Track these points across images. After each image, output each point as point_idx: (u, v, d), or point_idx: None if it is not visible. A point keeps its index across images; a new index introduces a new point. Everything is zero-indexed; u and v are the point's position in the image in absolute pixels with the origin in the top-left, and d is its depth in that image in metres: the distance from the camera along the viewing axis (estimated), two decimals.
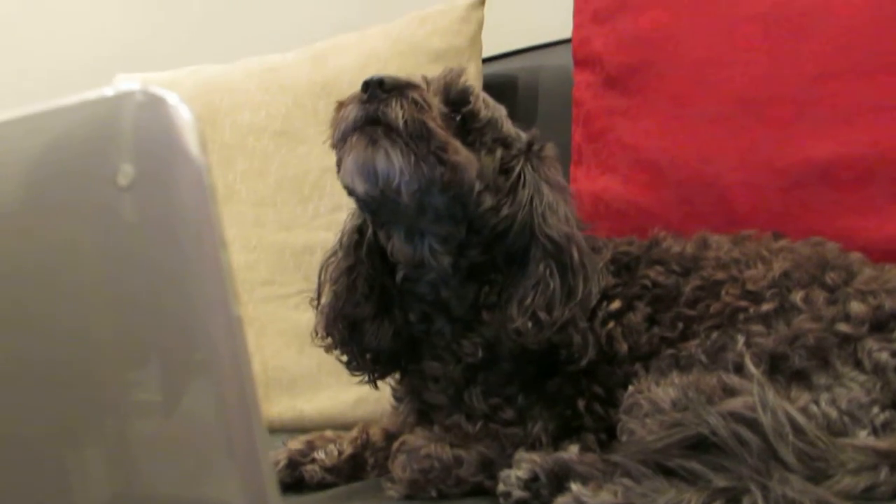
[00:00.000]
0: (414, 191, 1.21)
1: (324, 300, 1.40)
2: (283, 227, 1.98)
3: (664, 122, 1.66)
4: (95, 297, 0.49)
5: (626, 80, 1.72)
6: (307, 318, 1.81)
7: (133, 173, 0.45)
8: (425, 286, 1.33)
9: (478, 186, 1.27)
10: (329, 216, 1.91)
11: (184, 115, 0.45)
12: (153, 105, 0.45)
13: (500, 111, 1.35)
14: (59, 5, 2.91)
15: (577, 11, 1.84)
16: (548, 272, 1.27)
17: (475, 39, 1.96)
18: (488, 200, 1.29)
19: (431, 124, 1.20)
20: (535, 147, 1.36)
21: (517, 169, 1.31)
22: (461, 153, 1.24)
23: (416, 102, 1.19)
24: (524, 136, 1.36)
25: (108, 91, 0.46)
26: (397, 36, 1.99)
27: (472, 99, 1.30)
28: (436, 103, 1.24)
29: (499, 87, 2.02)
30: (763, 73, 1.59)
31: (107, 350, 0.51)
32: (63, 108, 0.47)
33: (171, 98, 0.45)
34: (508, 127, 1.34)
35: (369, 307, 1.36)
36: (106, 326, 0.51)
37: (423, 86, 1.26)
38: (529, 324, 1.25)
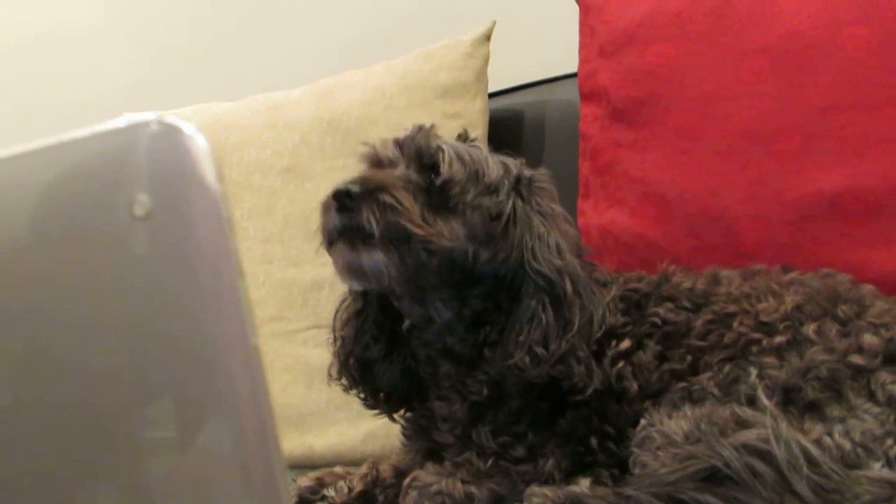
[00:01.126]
0: (405, 281, 1.25)
1: (337, 344, 1.42)
2: (291, 264, 1.98)
3: (671, 156, 1.66)
4: (110, 330, 0.48)
5: (632, 114, 1.72)
6: (316, 353, 1.82)
7: (149, 203, 0.45)
8: (432, 335, 1.35)
9: (470, 250, 1.27)
10: None
11: (200, 144, 0.45)
12: (168, 134, 0.45)
13: (479, 156, 1.32)
14: (66, 45, 2.92)
15: (583, 46, 1.84)
16: (540, 307, 1.27)
17: (481, 74, 1.96)
18: (484, 254, 1.29)
19: (408, 225, 1.21)
20: (524, 178, 1.35)
21: (507, 210, 1.30)
22: (445, 234, 1.25)
23: (388, 207, 1.20)
24: (512, 166, 1.34)
25: (123, 121, 0.46)
26: (403, 72, 1.99)
27: (443, 166, 1.28)
28: (408, 196, 1.23)
29: (505, 122, 2.02)
30: (770, 106, 1.58)
31: (121, 383, 0.51)
32: (77, 139, 0.46)
33: (187, 127, 0.45)
34: (492, 171, 1.31)
35: (378, 349, 1.39)
36: (121, 360, 0.50)
37: (398, 169, 1.27)
38: (527, 358, 1.25)
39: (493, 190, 1.30)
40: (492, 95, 2.02)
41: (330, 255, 1.26)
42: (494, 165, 1.32)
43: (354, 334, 1.39)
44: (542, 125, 2.03)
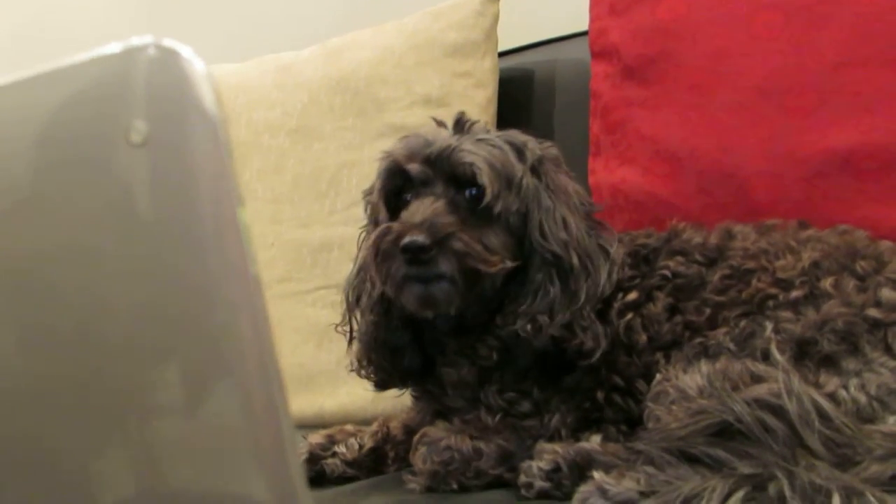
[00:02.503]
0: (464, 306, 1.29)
1: (361, 328, 1.41)
2: (300, 224, 1.97)
3: (683, 113, 1.65)
4: (109, 269, 0.47)
5: (644, 71, 1.70)
6: (325, 314, 1.82)
7: (146, 130, 0.43)
8: (445, 316, 1.34)
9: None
10: (346, 212, 1.91)
11: (198, 68, 0.44)
12: (166, 58, 0.44)
13: (506, 160, 1.32)
14: (71, 7, 2.91)
15: (594, 3, 1.82)
16: (548, 280, 1.29)
17: (491, 33, 1.95)
18: (517, 252, 1.31)
19: (481, 267, 1.24)
20: (537, 160, 1.35)
21: (522, 191, 1.31)
22: (503, 256, 1.28)
23: (460, 254, 1.23)
24: (528, 153, 1.34)
25: (119, 45, 0.45)
26: (412, 30, 1.98)
27: (486, 186, 1.28)
28: (475, 241, 1.25)
29: (516, 81, 2.01)
30: (783, 62, 1.57)
31: (124, 331, 0.50)
32: (73, 65, 0.45)
33: (185, 51, 0.44)
34: (517, 170, 1.32)
35: (408, 334, 1.39)
36: (122, 307, 0.49)
37: (438, 200, 1.27)
38: (528, 326, 1.27)
39: (518, 187, 1.31)
40: (502, 54, 2.00)
41: (396, 293, 1.27)
42: (515, 161, 1.32)
43: (384, 318, 1.38)
44: (552, 84, 2.01)
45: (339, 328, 1.43)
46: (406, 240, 1.21)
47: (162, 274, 0.46)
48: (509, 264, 1.27)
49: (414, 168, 1.30)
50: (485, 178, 1.27)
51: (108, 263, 0.47)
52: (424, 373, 1.40)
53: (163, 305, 0.47)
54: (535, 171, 1.33)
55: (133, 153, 0.44)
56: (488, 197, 1.27)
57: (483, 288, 1.27)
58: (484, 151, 1.30)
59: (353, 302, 1.42)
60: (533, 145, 1.35)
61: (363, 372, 1.41)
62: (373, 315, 1.38)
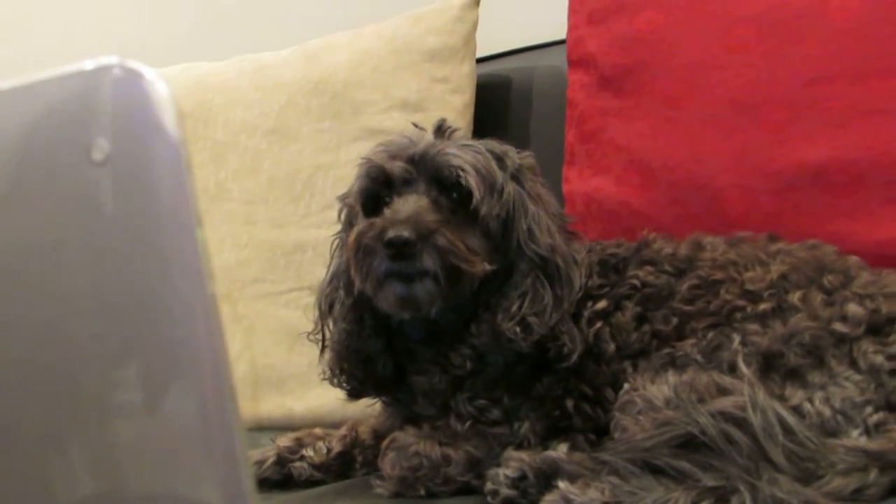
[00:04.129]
0: (443, 309, 1.29)
1: (334, 336, 1.40)
2: (274, 226, 1.97)
3: (657, 124, 1.66)
4: (71, 278, 0.48)
5: (620, 81, 1.71)
6: (297, 316, 1.81)
7: (108, 148, 0.44)
8: (419, 322, 1.34)
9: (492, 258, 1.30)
10: (320, 214, 1.91)
11: (161, 90, 0.44)
12: (130, 79, 0.44)
13: (489, 165, 1.32)
14: (54, 1, 2.91)
15: (572, 12, 1.83)
16: (538, 284, 1.29)
17: (469, 39, 1.95)
18: (495, 258, 1.31)
19: (463, 266, 1.24)
20: (516, 167, 1.35)
21: (510, 204, 1.32)
22: (485, 259, 1.28)
23: (444, 251, 1.22)
24: (508, 161, 1.35)
25: (86, 64, 0.45)
26: (392, 35, 1.98)
27: (472, 189, 1.28)
28: (458, 239, 1.25)
29: (493, 88, 2.02)
30: (757, 76, 1.58)
31: (85, 335, 0.50)
32: (40, 82, 0.46)
33: (149, 73, 0.44)
34: (497, 176, 1.32)
35: (381, 342, 1.38)
36: (83, 311, 0.50)
37: (421, 199, 1.27)
38: (518, 329, 1.27)
39: (500, 192, 1.31)
40: (480, 61, 2.01)
41: (375, 292, 1.27)
42: (496, 168, 1.32)
43: (356, 326, 1.38)
44: (529, 91, 2.02)
45: (312, 336, 1.42)
46: (391, 233, 1.21)
47: (123, 285, 0.47)
48: (489, 267, 1.27)
49: (397, 167, 1.30)
50: (472, 181, 1.28)
51: (71, 272, 0.48)
52: (397, 381, 1.40)
53: (124, 314, 0.47)
54: (516, 178, 1.34)
55: (95, 170, 0.44)
56: (475, 200, 1.27)
57: (463, 290, 1.27)
58: (469, 156, 1.30)
59: (326, 310, 1.41)
60: (513, 154, 1.36)
61: (335, 381, 1.41)
62: (345, 323, 1.38)
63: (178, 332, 0.45)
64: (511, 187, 1.32)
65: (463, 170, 1.28)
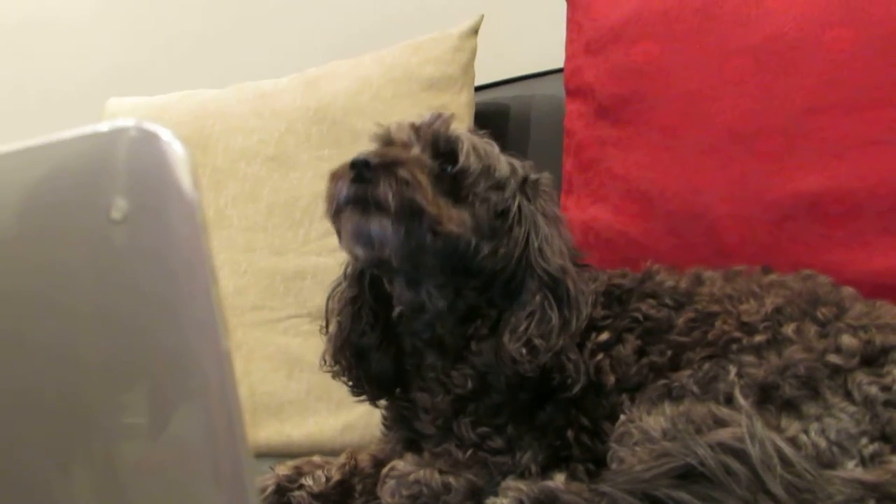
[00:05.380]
0: (404, 258, 1.25)
1: (331, 329, 1.42)
2: (273, 252, 1.98)
3: (654, 154, 1.67)
4: (87, 325, 0.49)
5: (617, 111, 1.72)
6: (297, 343, 1.82)
7: (126, 207, 0.45)
8: (421, 324, 1.35)
9: (474, 241, 1.28)
10: (320, 241, 1.92)
11: (177, 150, 0.45)
12: (147, 140, 0.45)
13: (492, 152, 1.34)
14: (54, 27, 2.91)
15: (570, 42, 1.85)
16: (546, 304, 1.29)
17: (468, 68, 1.97)
18: (485, 248, 1.30)
19: (422, 201, 1.22)
20: (531, 179, 1.36)
21: (513, 208, 1.32)
22: (454, 219, 1.26)
23: (404, 181, 1.21)
24: (518, 167, 1.36)
25: (103, 126, 0.46)
26: (391, 63, 1.99)
27: (461, 155, 1.29)
28: (424, 176, 1.24)
29: (491, 116, 2.03)
30: (753, 106, 1.59)
31: (97, 376, 0.51)
32: (58, 141, 0.47)
33: (165, 134, 0.45)
34: (502, 168, 1.33)
35: (375, 336, 1.39)
36: (96, 354, 0.51)
37: (413, 150, 1.28)
38: (524, 350, 1.26)
39: (500, 186, 1.32)
40: (478, 89, 2.02)
41: (335, 222, 1.26)
42: (504, 163, 1.34)
43: (350, 321, 1.39)
44: (527, 120, 2.04)
45: (321, 330, 1.44)
46: (355, 156, 1.21)
47: (136, 342, 0.47)
48: (454, 229, 1.25)
49: (398, 133, 1.31)
50: (464, 153, 1.29)
51: (83, 327, 0.49)
52: (396, 383, 1.41)
53: (135, 369, 0.48)
54: (528, 191, 1.35)
55: (113, 228, 0.45)
56: (460, 166, 1.28)
57: (424, 243, 1.24)
58: (474, 137, 1.33)
59: (331, 303, 1.44)
60: (528, 166, 1.37)
61: (342, 379, 1.43)
62: (342, 316, 1.40)
63: (191, 385, 0.46)
64: (519, 197, 1.33)
65: (462, 142, 1.30)
